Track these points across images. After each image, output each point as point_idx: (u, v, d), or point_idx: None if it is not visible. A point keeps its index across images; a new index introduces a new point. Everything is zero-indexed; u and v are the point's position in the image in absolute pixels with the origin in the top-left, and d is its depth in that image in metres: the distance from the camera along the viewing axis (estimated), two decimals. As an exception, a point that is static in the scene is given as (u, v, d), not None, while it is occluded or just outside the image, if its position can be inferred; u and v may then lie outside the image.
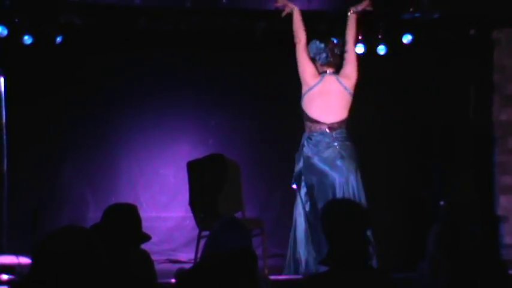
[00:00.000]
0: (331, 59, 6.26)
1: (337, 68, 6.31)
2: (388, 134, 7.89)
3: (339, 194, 6.01)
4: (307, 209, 6.17)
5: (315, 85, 6.20)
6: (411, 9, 7.16)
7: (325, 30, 7.37)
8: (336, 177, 6.07)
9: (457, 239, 3.26)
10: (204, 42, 7.59)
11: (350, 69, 6.26)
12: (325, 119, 6.18)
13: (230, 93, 7.85)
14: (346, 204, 3.43)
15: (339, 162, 6.11)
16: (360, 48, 7.65)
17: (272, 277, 5.89)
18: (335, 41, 6.51)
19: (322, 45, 6.27)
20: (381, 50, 7.73)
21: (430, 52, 7.82)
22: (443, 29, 7.72)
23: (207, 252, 3.43)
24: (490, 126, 8.01)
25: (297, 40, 6.24)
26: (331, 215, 3.22)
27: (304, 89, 6.22)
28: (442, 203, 7.39)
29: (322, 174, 6.10)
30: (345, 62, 6.27)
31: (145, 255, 4.18)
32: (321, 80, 6.22)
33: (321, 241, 5.94)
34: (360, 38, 7.66)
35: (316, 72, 6.24)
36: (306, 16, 7.11)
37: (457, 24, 7.77)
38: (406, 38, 7.69)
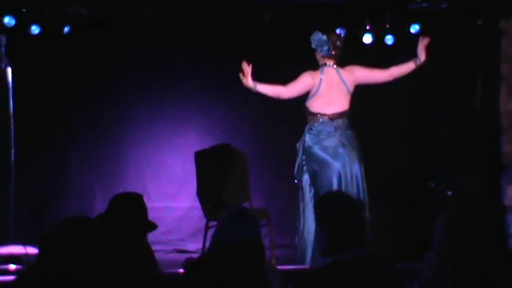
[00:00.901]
0: (333, 52, 6.26)
1: (339, 60, 6.31)
2: (395, 124, 7.87)
3: (341, 182, 6.02)
4: (312, 197, 6.18)
5: (318, 88, 6.21)
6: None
7: (332, 20, 7.36)
8: (339, 166, 6.08)
9: (464, 230, 3.26)
10: (211, 32, 7.57)
11: (361, 71, 6.25)
12: (326, 111, 6.19)
13: (237, 83, 7.83)
14: (337, 197, 3.49)
15: (340, 151, 6.13)
16: (368, 38, 7.64)
17: (279, 267, 5.89)
18: (338, 33, 6.50)
19: (325, 37, 6.25)
20: (389, 40, 7.71)
21: (437, 42, 7.79)
22: (451, 19, 7.69)
23: (215, 241, 3.44)
24: (498, 116, 7.98)
25: (280, 94, 6.18)
26: (323, 207, 3.28)
27: (311, 93, 6.23)
28: (449, 193, 7.38)
29: (324, 163, 6.11)
30: (363, 67, 6.26)
31: (146, 245, 4.18)
32: (321, 78, 6.21)
33: None
34: (367, 27, 7.65)
35: (313, 76, 6.23)
36: (312, 7, 7.11)
37: (464, 14, 7.74)
38: (414, 28, 7.67)
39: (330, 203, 3.31)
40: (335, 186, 6.04)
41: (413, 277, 3.63)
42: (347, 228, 3.14)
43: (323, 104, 6.21)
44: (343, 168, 6.08)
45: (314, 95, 6.22)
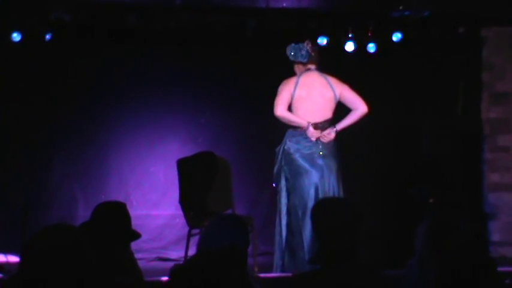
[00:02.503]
0: (313, 54, 6.26)
1: (318, 65, 6.32)
2: (377, 132, 7.90)
3: (317, 193, 6.03)
4: (286, 203, 6.18)
5: (293, 92, 6.19)
6: (401, 7, 7.17)
7: (315, 27, 7.38)
8: (316, 176, 6.08)
9: (446, 237, 3.27)
10: (194, 39, 7.57)
11: (347, 94, 6.26)
12: (308, 119, 6.18)
13: (220, 91, 7.84)
14: (336, 203, 3.43)
15: (319, 161, 6.12)
16: (350, 46, 7.67)
17: (261, 275, 5.89)
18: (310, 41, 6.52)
19: (300, 44, 6.27)
20: (371, 48, 7.74)
21: (419, 50, 7.84)
22: (433, 27, 7.74)
23: (201, 247, 3.42)
24: (479, 124, 8.03)
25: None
26: (322, 214, 3.22)
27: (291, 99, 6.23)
28: (431, 200, 7.41)
29: (301, 171, 6.10)
30: (349, 93, 6.25)
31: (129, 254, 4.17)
32: (297, 82, 6.21)
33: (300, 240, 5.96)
34: (349, 35, 7.68)
35: (288, 82, 6.23)
36: (296, 14, 7.13)
37: (446, 23, 7.79)
38: (396, 36, 7.71)
39: (328, 210, 3.26)
40: (311, 196, 6.04)
41: (396, 284, 3.64)
42: (340, 239, 3.11)
43: (306, 112, 6.19)
44: (321, 179, 6.08)
45: (292, 99, 6.22)
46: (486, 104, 8.03)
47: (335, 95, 6.22)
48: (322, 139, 6.13)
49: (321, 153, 6.13)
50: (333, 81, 6.26)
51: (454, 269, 2.69)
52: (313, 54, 6.26)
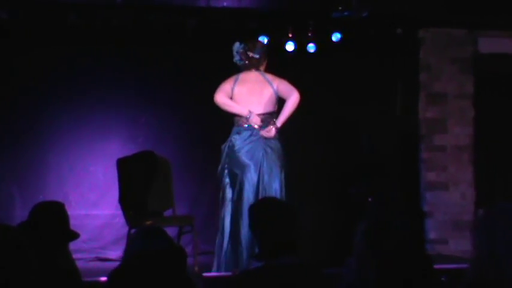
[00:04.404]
0: (246, 62, 6.30)
1: (260, 68, 6.35)
2: (317, 131, 7.97)
3: (259, 190, 6.07)
4: (230, 200, 6.20)
5: (232, 90, 6.24)
6: (340, 8, 7.24)
7: (256, 28, 7.41)
8: (259, 173, 6.12)
9: (384, 235, 3.32)
10: (135, 39, 7.53)
11: (283, 86, 6.30)
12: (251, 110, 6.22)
13: (161, 90, 7.82)
14: (273, 203, 3.50)
15: (263, 158, 6.16)
16: (290, 46, 7.73)
17: (204, 274, 5.90)
18: (260, 40, 6.53)
19: (237, 46, 6.31)
20: (311, 48, 7.81)
21: (358, 50, 7.93)
22: (372, 28, 7.84)
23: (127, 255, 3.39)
24: (417, 124, 8.16)
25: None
26: (260, 213, 3.28)
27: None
28: (369, 199, 7.50)
29: (245, 169, 6.14)
30: (285, 87, 6.28)
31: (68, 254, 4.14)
32: (236, 80, 6.26)
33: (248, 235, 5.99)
34: (290, 36, 7.73)
35: (228, 81, 6.28)
36: (236, 14, 7.14)
37: (384, 23, 7.90)
38: (336, 37, 7.79)
39: (264, 209, 3.31)
40: (254, 193, 6.08)
41: (336, 282, 3.68)
42: (280, 234, 3.16)
43: (247, 106, 6.23)
44: (263, 176, 6.12)
45: (232, 95, 6.26)
46: (423, 104, 8.17)
47: (273, 89, 6.27)
48: (263, 135, 6.16)
49: (265, 150, 6.16)
50: (271, 77, 6.32)
51: (392, 267, 2.74)
52: (247, 62, 6.29)
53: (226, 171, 6.25)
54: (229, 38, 6.56)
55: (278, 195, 6.06)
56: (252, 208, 3.43)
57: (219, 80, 6.38)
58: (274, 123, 6.21)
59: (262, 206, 3.43)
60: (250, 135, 6.20)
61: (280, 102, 6.33)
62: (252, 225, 3.36)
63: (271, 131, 6.19)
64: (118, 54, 7.68)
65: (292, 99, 6.23)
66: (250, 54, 6.30)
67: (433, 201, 8.09)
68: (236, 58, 6.32)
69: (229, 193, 6.23)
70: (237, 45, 6.33)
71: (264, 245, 3.21)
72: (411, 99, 8.18)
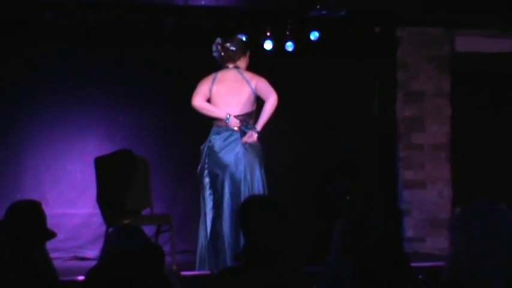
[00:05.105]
0: (223, 54, 6.30)
1: (239, 63, 6.34)
2: (295, 130, 7.98)
3: (239, 190, 6.07)
4: (211, 200, 6.20)
5: (210, 90, 6.24)
6: (318, 6, 7.26)
7: (234, 26, 7.41)
8: (240, 172, 6.12)
9: (361, 234, 3.34)
10: (112, 37, 7.50)
11: (262, 85, 6.29)
12: (229, 112, 6.22)
13: (138, 89, 7.79)
14: (265, 202, 3.44)
15: (243, 157, 6.16)
16: (268, 45, 7.73)
17: (182, 273, 5.89)
18: (238, 37, 6.54)
19: (217, 40, 6.31)
20: (289, 46, 7.82)
21: (336, 49, 7.95)
22: (349, 26, 7.86)
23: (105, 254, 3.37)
24: (394, 122, 8.20)
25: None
26: (250, 212, 3.25)
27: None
28: (347, 197, 7.53)
29: (226, 169, 6.14)
30: (264, 86, 6.28)
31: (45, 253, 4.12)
32: (214, 79, 6.26)
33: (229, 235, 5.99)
34: (268, 34, 7.74)
35: (206, 81, 6.28)
36: (214, 12, 7.13)
37: (362, 22, 7.92)
38: (314, 35, 7.80)
39: (254, 208, 3.27)
40: (237, 192, 6.08)
41: (315, 281, 3.69)
42: (269, 239, 3.14)
43: (225, 106, 6.22)
44: (245, 175, 6.13)
45: (210, 95, 6.26)
46: (401, 102, 8.21)
47: (251, 88, 6.27)
48: (245, 141, 6.17)
49: (245, 150, 6.16)
50: (249, 76, 6.31)
51: (369, 265, 2.75)
52: (223, 54, 6.30)
53: (206, 171, 6.24)
54: (207, 36, 6.55)
55: (262, 193, 6.07)
56: (240, 207, 3.36)
57: (197, 79, 6.37)
58: (254, 129, 6.22)
59: (252, 204, 3.34)
60: (230, 135, 6.20)
61: (259, 101, 6.33)
62: (242, 224, 3.28)
63: (252, 137, 6.20)
64: (95, 53, 7.64)
65: (271, 101, 6.24)
66: (227, 45, 6.30)
67: (410, 200, 8.13)
68: (213, 49, 6.31)
69: (209, 193, 6.22)
70: (217, 40, 6.34)
71: (251, 246, 3.16)
72: (389, 98, 8.22)
